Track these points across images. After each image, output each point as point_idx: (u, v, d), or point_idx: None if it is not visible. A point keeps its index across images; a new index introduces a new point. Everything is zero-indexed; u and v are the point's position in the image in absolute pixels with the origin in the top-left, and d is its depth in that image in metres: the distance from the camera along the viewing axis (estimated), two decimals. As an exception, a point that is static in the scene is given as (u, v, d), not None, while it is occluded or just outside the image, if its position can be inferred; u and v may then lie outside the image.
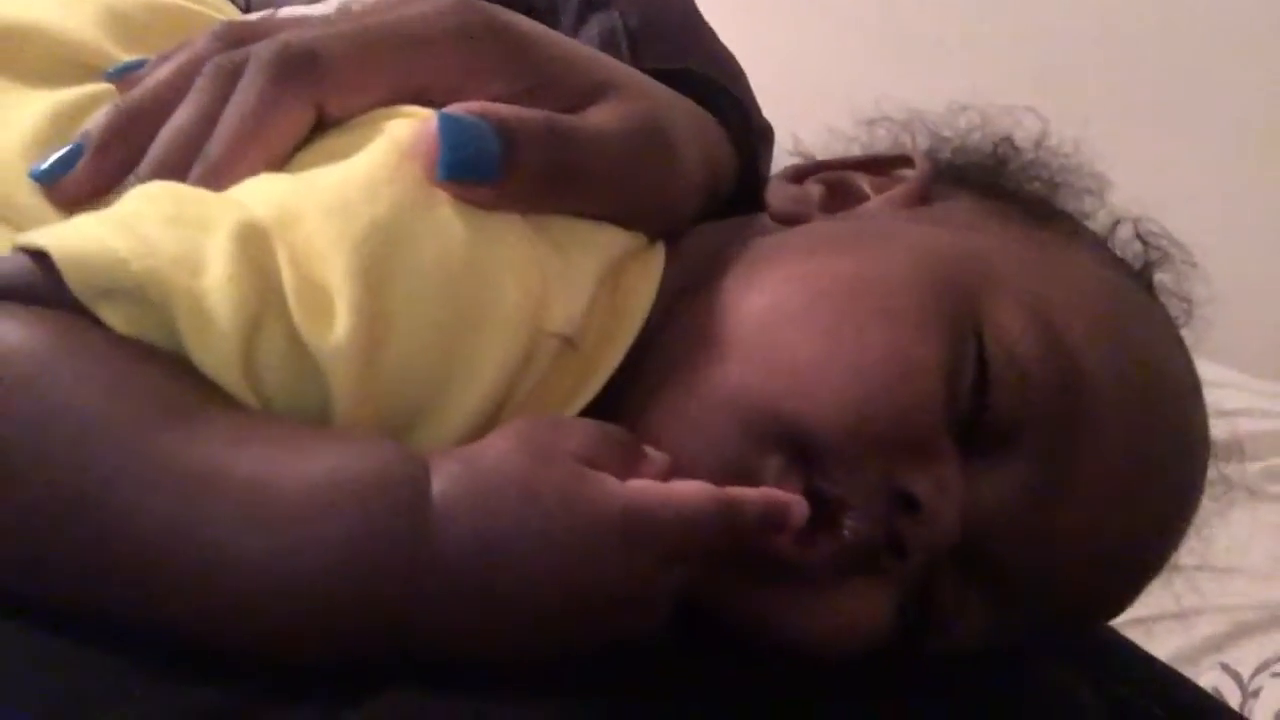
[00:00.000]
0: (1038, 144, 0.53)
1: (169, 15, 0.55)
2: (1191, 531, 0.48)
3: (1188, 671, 0.63)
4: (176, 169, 0.44)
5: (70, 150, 0.46)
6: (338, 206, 0.42)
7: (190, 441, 0.38)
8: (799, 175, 0.52)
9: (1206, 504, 0.49)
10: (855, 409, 0.42)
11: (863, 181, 0.51)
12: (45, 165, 0.46)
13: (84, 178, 0.45)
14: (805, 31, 1.77)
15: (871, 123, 0.54)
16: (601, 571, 0.38)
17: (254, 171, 0.44)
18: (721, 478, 0.40)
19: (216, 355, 0.39)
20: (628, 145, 0.47)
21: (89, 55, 0.51)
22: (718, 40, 0.61)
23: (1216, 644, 1.09)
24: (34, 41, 0.51)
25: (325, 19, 0.48)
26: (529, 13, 0.50)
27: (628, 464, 0.40)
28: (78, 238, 0.40)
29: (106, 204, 0.44)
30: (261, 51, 0.45)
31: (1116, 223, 0.52)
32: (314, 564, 0.37)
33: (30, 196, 0.46)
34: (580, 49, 0.50)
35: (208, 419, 0.38)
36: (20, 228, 0.44)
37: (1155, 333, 0.49)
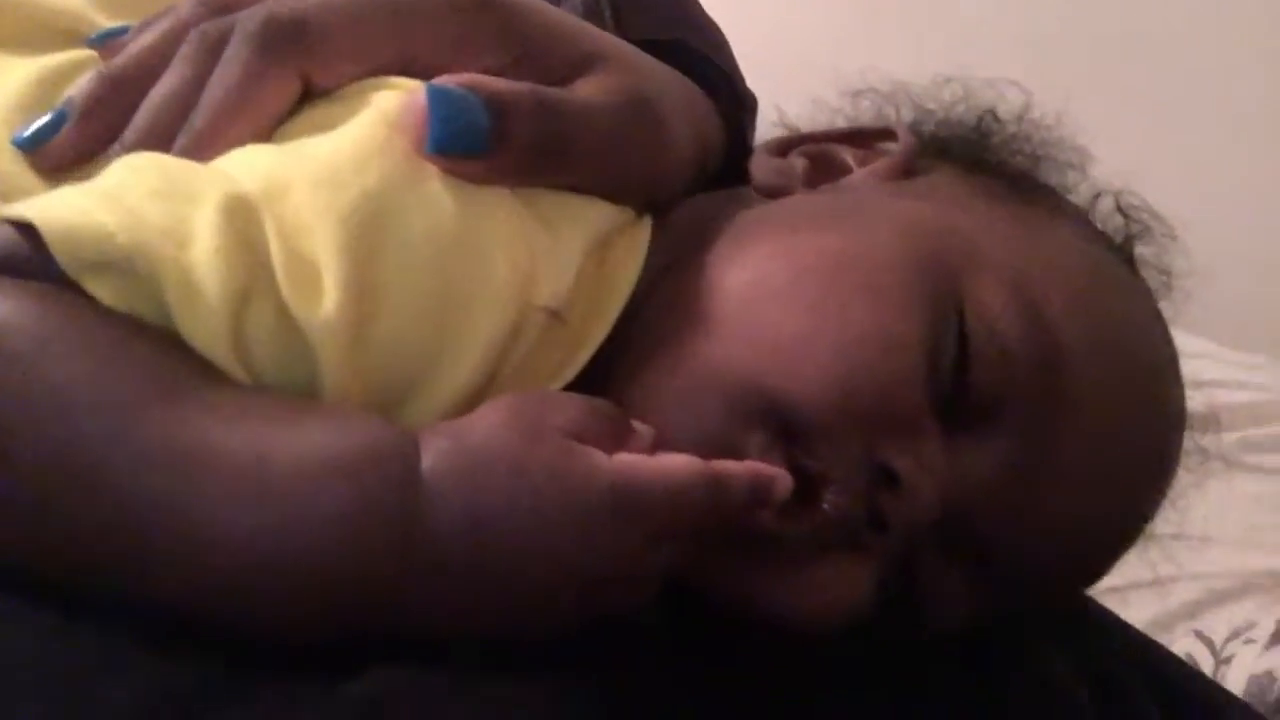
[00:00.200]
0: (1020, 117, 0.53)
1: (153, -20, 0.55)
2: (1168, 502, 0.49)
3: (1162, 639, 0.64)
4: (161, 139, 0.44)
5: (53, 117, 0.45)
6: (326, 179, 0.41)
7: (181, 417, 0.38)
8: (782, 148, 0.52)
9: (1183, 475, 0.49)
10: (837, 386, 0.42)
11: (846, 154, 0.51)
12: (28, 132, 0.45)
13: (67, 145, 0.45)
14: (790, 1, 1.76)
15: (856, 94, 0.54)
16: (590, 545, 0.38)
17: (240, 142, 0.44)
18: (705, 453, 0.41)
19: (205, 329, 0.39)
20: (616, 118, 0.47)
21: (72, 21, 0.51)
22: (702, 10, 0.61)
23: (1191, 611, 1.10)
24: (16, 7, 0.51)
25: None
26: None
27: (615, 438, 0.40)
28: (64, 210, 0.40)
29: (89, 172, 0.43)
30: (247, 21, 0.45)
31: (1097, 195, 0.52)
32: (305, 541, 0.37)
33: (12, 164, 0.45)
34: (568, 20, 0.50)
35: (198, 394, 0.38)
36: (3, 196, 0.43)
37: (1135, 308, 0.49)
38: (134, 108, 0.45)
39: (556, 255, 0.44)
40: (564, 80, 0.47)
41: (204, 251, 0.39)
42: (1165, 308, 0.51)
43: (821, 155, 0.51)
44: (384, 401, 0.41)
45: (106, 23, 0.50)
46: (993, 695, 0.47)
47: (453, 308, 0.41)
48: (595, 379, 0.45)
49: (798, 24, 1.71)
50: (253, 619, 0.37)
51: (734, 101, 0.55)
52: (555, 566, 0.38)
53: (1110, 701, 0.50)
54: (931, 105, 0.54)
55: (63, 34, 0.51)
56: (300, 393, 0.40)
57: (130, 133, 0.45)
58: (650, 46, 0.52)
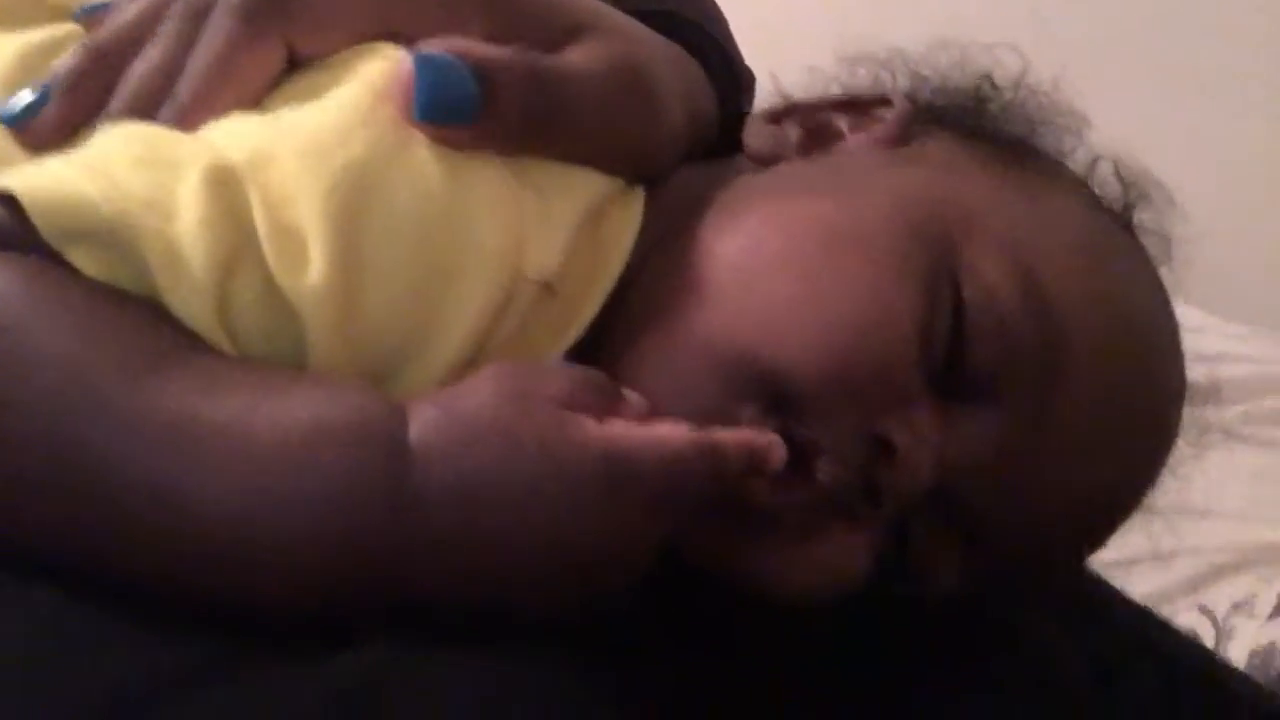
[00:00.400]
0: (1018, 83, 0.52)
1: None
2: (1169, 475, 0.49)
3: (1164, 612, 0.64)
4: (146, 110, 0.44)
5: (39, 93, 0.45)
6: (311, 148, 0.41)
7: (166, 389, 0.37)
8: (776, 116, 0.51)
9: (1184, 448, 0.49)
10: (830, 356, 0.42)
11: (841, 122, 0.51)
12: (13, 108, 0.45)
13: (52, 120, 0.45)
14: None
15: (852, 61, 0.54)
16: (583, 515, 0.38)
17: (225, 112, 0.43)
18: (698, 422, 0.40)
19: (190, 300, 0.39)
20: (606, 86, 0.47)
21: None
22: (696, -20, 0.60)
23: (1193, 585, 1.10)
24: None
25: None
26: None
27: (607, 408, 0.40)
28: (47, 180, 0.40)
29: (76, 146, 0.43)
30: None
31: (1095, 161, 0.52)
32: (292, 513, 0.36)
33: (0, 141, 0.45)
34: None
35: (183, 365, 0.38)
36: None
37: (1135, 277, 0.48)
38: (119, 82, 0.45)
39: (548, 225, 0.44)
40: (554, 48, 0.47)
41: (188, 222, 0.39)
42: (1166, 278, 0.50)
43: (816, 123, 0.51)
44: (372, 373, 0.41)
45: (92, -3, 0.50)
46: (986, 673, 0.46)
47: (441, 278, 0.41)
48: (588, 350, 0.44)
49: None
50: (241, 593, 0.37)
51: (728, 72, 0.55)
52: (547, 537, 0.38)
53: (1112, 680, 0.49)
54: (927, 72, 0.53)
55: (48, 9, 0.50)
56: (287, 364, 0.40)
57: (114, 106, 0.44)
58: (643, 16, 0.52)
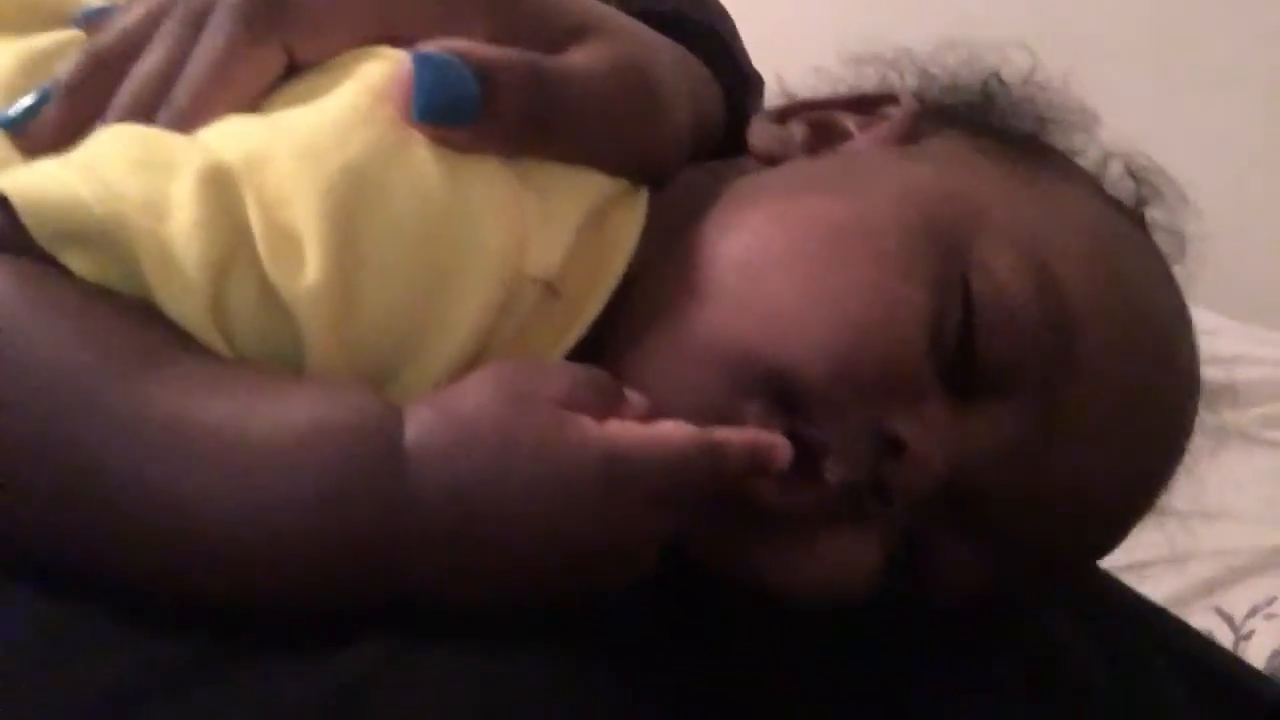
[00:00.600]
0: (1026, 80, 0.52)
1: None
2: (1185, 476, 0.48)
3: (1181, 614, 0.63)
4: (145, 114, 0.44)
5: (38, 97, 0.45)
6: (307, 150, 0.41)
7: (160, 390, 0.37)
8: (782, 115, 0.51)
9: (1201, 449, 0.48)
10: (838, 353, 0.41)
11: (847, 120, 0.50)
12: (13, 113, 0.45)
13: (52, 124, 0.45)
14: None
15: (859, 61, 0.53)
16: (584, 516, 0.38)
17: (223, 116, 0.43)
18: (702, 423, 0.40)
19: (185, 301, 0.38)
20: (609, 88, 0.46)
21: (59, 2, 0.50)
22: (703, -19, 0.60)
23: (1209, 588, 1.10)
24: None
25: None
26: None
27: (608, 408, 0.39)
28: (39, 181, 0.39)
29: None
30: None
31: (1107, 158, 0.51)
32: (287, 514, 0.36)
33: (1, 146, 0.45)
34: None
35: (177, 367, 0.38)
36: None
37: (1147, 271, 0.48)
38: (119, 86, 0.45)
39: (549, 226, 0.44)
40: (556, 49, 0.46)
41: (182, 223, 0.39)
42: (1181, 279, 0.50)
43: (822, 122, 0.50)
44: (370, 374, 0.41)
45: (93, 2, 0.50)
46: (992, 672, 0.46)
47: (440, 279, 0.41)
48: (591, 351, 0.44)
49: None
50: (237, 594, 0.37)
51: (734, 72, 0.54)
52: (546, 538, 0.37)
53: (1127, 678, 0.49)
54: (935, 70, 0.53)
55: (51, 15, 0.50)
56: (283, 365, 0.40)
57: (113, 110, 0.44)
58: (648, 16, 0.51)
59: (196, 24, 0.44)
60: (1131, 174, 0.51)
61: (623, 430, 0.39)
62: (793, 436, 0.41)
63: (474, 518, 0.37)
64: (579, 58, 0.46)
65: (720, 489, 0.40)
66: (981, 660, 0.46)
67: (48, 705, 0.35)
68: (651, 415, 0.40)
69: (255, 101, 0.44)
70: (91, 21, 0.48)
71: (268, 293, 0.39)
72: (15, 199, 0.39)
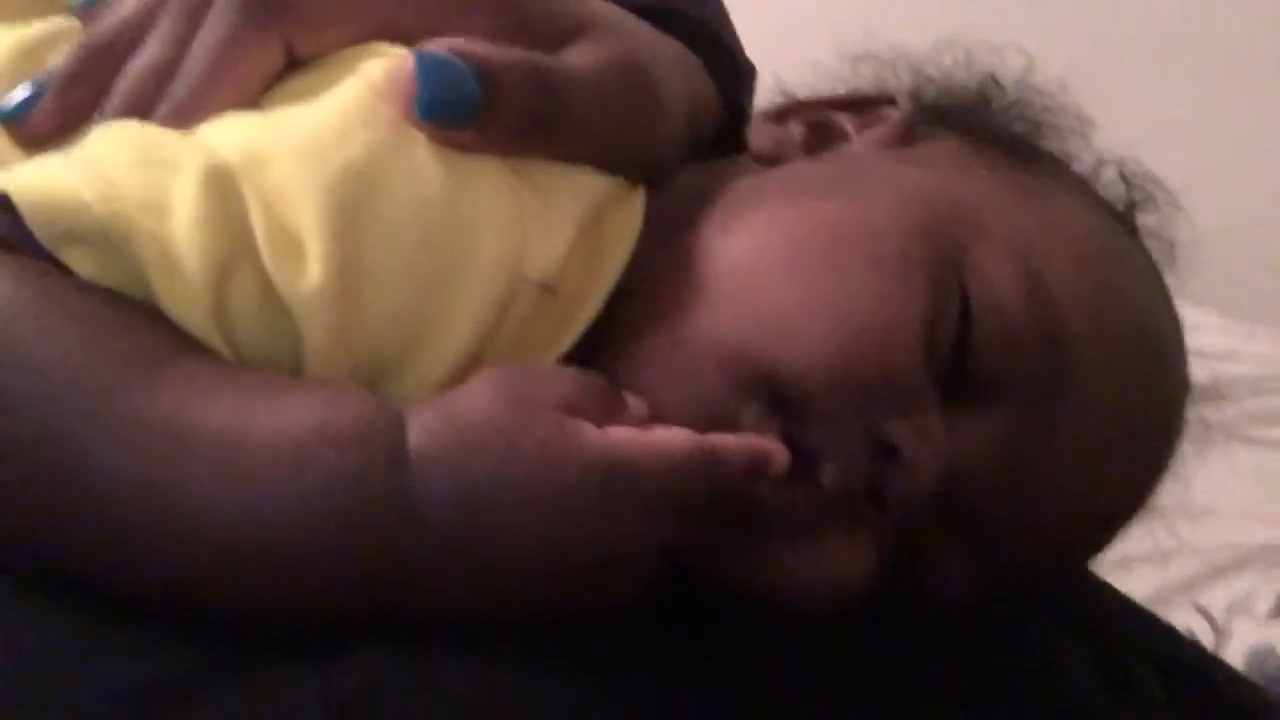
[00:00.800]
0: (1022, 82, 0.52)
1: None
2: (1169, 474, 0.48)
3: (1161, 612, 0.63)
4: (143, 108, 0.43)
5: (33, 89, 0.45)
6: (309, 149, 0.41)
7: (161, 393, 0.37)
8: (780, 115, 0.51)
9: (1185, 447, 0.49)
10: (834, 357, 0.41)
11: (845, 121, 0.50)
12: (8, 105, 0.45)
13: (48, 117, 0.44)
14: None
15: (856, 60, 0.53)
16: (583, 523, 0.38)
17: (221, 111, 0.43)
18: (699, 425, 0.40)
19: (186, 302, 0.38)
20: (607, 86, 0.46)
21: None
22: (699, -23, 0.60)
23: (1191, 585, 1.10)
24: None
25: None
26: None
27: (607, 412, 0.40)
28: (40, 180, 0.39)
29: (72, 144, 0.42)
30: None
31: (1100, 163, 0.51)
32: (289, 520, 0.36)
33: None
34: None
35: (178, 369, 0.38)
36: None
37: (1139, 280, 0.48)
38: (115, 78, 0.44)
39: (548, 226, 0.43)
40: (556, 48, 0.46)
41: (184, 223, 0.38)
42: (1168, 278, 0.50)
43: (820, 122, 0.50)
44: (371, 376, 0.40)
45: (89, -10, 0.49)
46: (991, 680, 0.46)
47: (441, 281, 0.41)
48: (588, 352, 0.44)
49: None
50: (239, 598, 0.37)
51: (731, 69, 0.54)
52: (547, 544, 0.38)
53: (1120, 689, 0.49)
54: (932, 71, 0.53)
55: (46, 3, 0.50)
56: (284, 367, 0.39)
57: (111, 103, 0.44)
58: (648, 13, 0.51)
59: (196, 16, 0.44)
60: (1124, 178, 0.51)
61: (621, 436, 0.39)
62: (789, 440, 0.41)
63: (475, 522, 0.37)
64: (579, 56, 0.46)
65: (718, 495, 0.40)
66: (974, 663, 0.46)
67: (51, 713, 0.35)
68: (649, 421, 0.40)
69: (255, 97, 0.44)
70: (87, 10, 0.47)
71: (269, 294, 0.39)
72: (17, 198, 0.38)
